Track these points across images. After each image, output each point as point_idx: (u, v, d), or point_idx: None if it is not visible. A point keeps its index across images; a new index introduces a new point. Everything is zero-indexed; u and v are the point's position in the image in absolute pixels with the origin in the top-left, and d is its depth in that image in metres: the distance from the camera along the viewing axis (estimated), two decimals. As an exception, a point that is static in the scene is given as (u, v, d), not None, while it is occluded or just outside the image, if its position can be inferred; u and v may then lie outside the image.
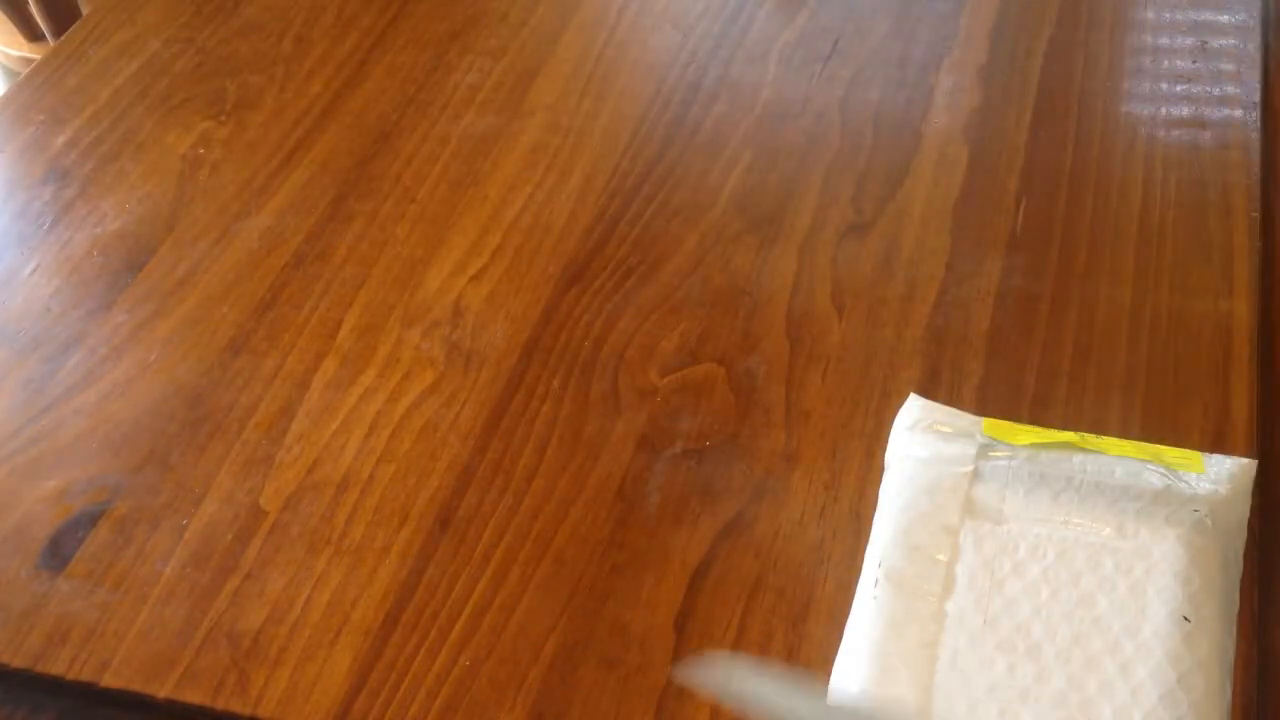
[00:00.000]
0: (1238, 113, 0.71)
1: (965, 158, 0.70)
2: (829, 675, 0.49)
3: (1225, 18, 0.77)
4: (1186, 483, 0.50)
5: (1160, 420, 0.57)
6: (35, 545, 0.57)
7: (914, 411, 0.55)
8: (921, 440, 0.54)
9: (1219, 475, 0.51)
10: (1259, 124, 0.70)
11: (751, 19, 0.81)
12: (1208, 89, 0.72)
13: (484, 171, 0.72)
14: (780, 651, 0.51)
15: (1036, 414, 0.58)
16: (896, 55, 0.77)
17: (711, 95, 0.75)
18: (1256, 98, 0.71)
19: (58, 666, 0.53)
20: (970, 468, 0.52)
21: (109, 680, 0.52)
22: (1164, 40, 0.76)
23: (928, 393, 0.57)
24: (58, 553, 0.56)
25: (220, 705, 0.51)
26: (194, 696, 0.51)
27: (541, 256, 0.67)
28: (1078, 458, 0.51)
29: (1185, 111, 0.71)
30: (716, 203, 0.69)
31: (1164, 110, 0.71)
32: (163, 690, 0.51)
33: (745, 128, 0.73)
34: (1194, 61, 0.74)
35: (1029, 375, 0.59)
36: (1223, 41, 0.75)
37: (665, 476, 0.57)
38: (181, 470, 0.59)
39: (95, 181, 0.74)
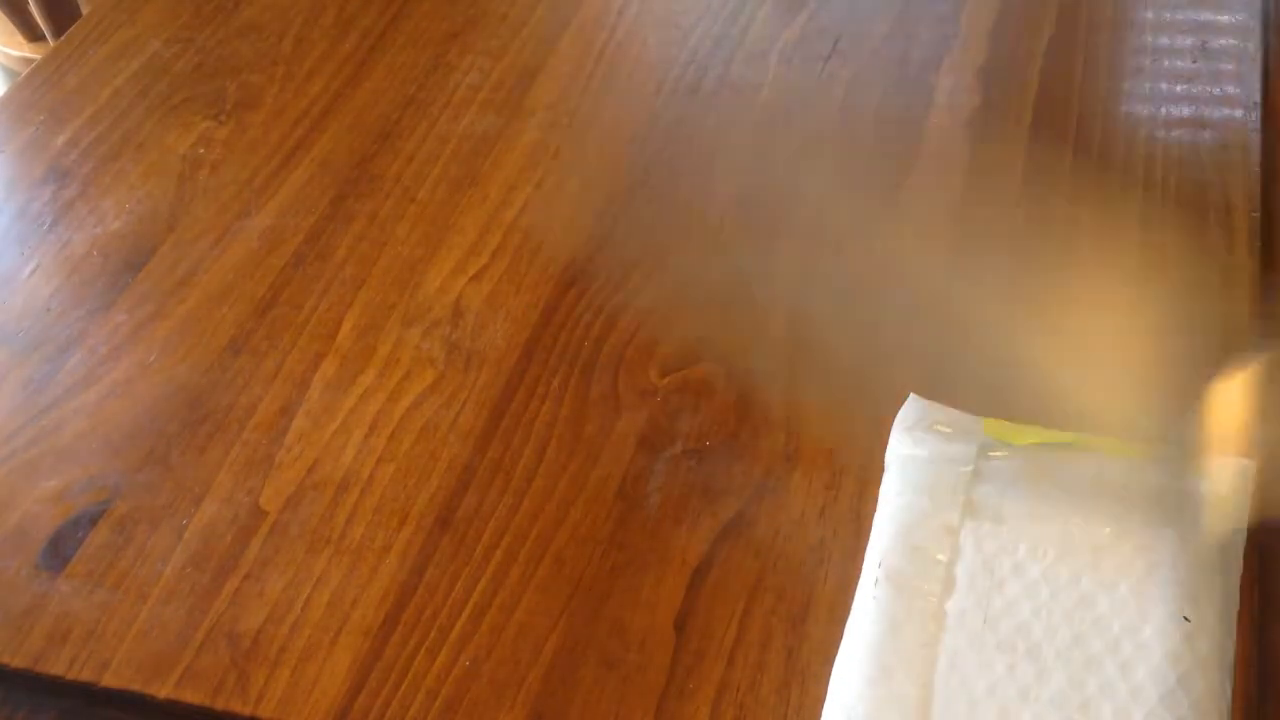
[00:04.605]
0: (1238, 113, 0.71)
1: (965, 158, 0.70)
2: (829, 675, 0.49)
3: (1225, 18, 0.77)
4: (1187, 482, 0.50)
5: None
6: (35, 545, 0.57)
7: (914, 411, 0.55)
8: (922, 440, 0.54)
9: (1219, 475, 0.51)
10: (1259, 124, 0.70)
11: (751, 19, 0.81)
12: (1208, 89, 0.72)
13: (484, 171, 0.72)
14: (780, 651, 0.51)
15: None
16: (896, 55, 0.77)
17: (711, 95, 0.75)
18: (1256, 98, 0.71)
19: (58, 666, 0.53)
20: (970, 467, 0.52)
21: (109, 680, 0.52)
22: (1164, 40, 0.76)
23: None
24: (58, 553, 0.56)
25: (220, 705, 0.51)
26: (194, 696, 0.51)
27: (541, 256, 0.67)
28: (1078, 457, 0.51)
29: (1185, 111, 0.71)
30: (717, 203, 0.69)
31: (1164, 110, 0.71)
32: (163, 690, 0.51)
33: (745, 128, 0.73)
34: (1194, 61, 0.74)
35: (1029, 375, 0.59)
36: (1223, 41, 0.75)
37: (665, 476, 0.57)
38: (181, 470, 0.59)
39: (95, 181, 0.74)
